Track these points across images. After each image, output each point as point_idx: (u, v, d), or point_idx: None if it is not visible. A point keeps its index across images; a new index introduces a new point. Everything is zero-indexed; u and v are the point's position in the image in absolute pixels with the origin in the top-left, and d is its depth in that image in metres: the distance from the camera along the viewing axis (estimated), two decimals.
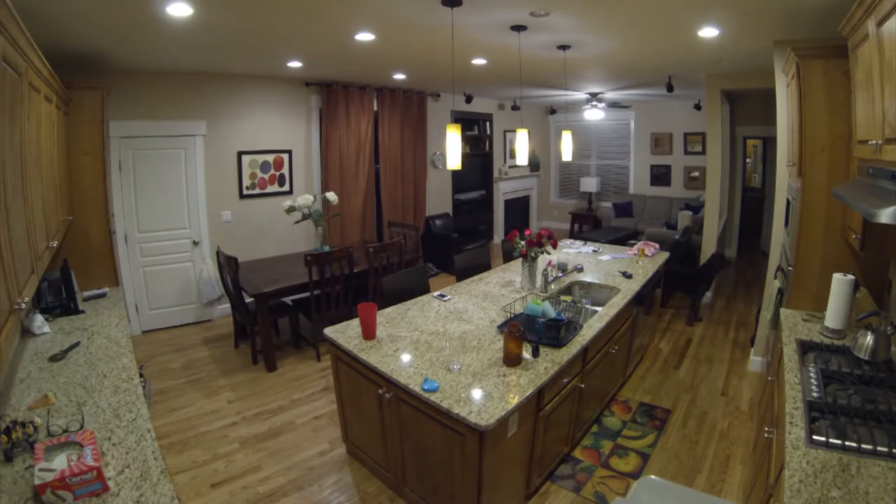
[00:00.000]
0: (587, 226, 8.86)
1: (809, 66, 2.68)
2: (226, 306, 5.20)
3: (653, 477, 1.90)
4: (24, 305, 1.58)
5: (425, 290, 3.58)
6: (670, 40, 3.59)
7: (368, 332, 2.63)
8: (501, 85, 6.45)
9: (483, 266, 4.27)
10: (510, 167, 8.91)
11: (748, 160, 8.33)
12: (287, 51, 4.03)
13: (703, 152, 7.16)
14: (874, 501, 1.29)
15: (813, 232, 2.78)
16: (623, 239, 6.59)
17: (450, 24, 2.92)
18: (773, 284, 3.45)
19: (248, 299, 4.11)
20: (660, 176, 8.62)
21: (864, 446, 1.49)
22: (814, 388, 1.87)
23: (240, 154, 5.30)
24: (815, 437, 1.56)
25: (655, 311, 4.39)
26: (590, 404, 3.03)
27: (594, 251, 4.54)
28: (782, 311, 2.81)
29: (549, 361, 2.35)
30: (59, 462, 1.38)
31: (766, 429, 2.14)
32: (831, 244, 2.72)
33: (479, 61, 4.44)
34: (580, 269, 3.85)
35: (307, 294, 4.18)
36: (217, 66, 4.63)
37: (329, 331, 2.75)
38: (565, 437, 2.78)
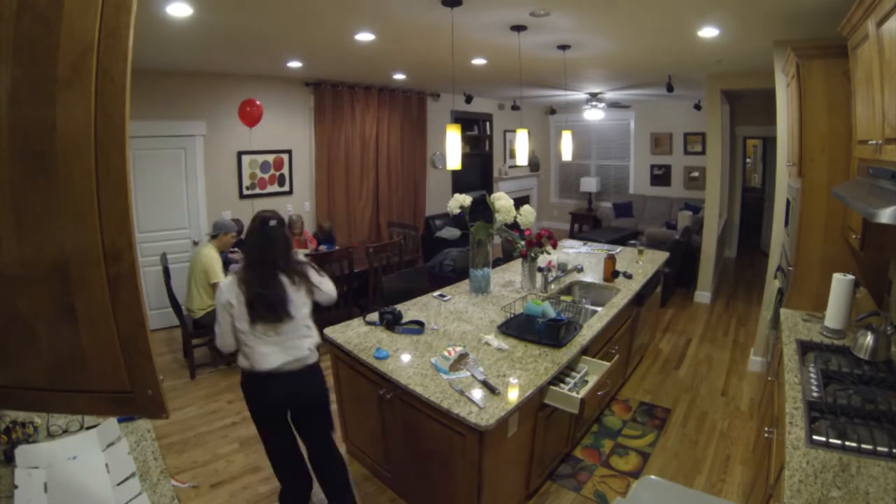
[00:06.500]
0: (587, 226, 8.85)
1: (809, 66, 2.68)
2: None
3: (653, 477, 1.90)
4: None
5: (425, 290, 3.58)
6: (670, 40, 3.59)
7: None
8: (501, 85, 6.45)
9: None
10: (510, 167, 8.91)
11: (748, 160, 8.32)
12: (287, 51, 4.03)
13: (703, 152, 7.15)
14: (874, 501, 1.29)
15: (813, 232, 2.78)
16: (623, 239, 6.58)
17: (450, 24, 2.92)
18: (773, 284, 3.45)
19: None
20: (660, 176, 8.62)
21: (864, 446, 1.49)
22: (814, 388, 1.87)
23: (240, 154, 5.30)
24: (815, 437, 1.56)
25: (655, 311, 4.38)
26: (590, 404, 3.02)
27: (594, 251, 4.54)
28: (782, 311, 2.81)
29: (549, 361, 2.35)
30: None
31: (766, 429, 2.14)
32: (831, 244, 2.72)
33: (479, 61, 4.44)
34: (580, 269, 3.85)
35: None
36: (217, 66, 4.63)
37: (329, 331, 2.75)
38: (565, 436, 2.78)
